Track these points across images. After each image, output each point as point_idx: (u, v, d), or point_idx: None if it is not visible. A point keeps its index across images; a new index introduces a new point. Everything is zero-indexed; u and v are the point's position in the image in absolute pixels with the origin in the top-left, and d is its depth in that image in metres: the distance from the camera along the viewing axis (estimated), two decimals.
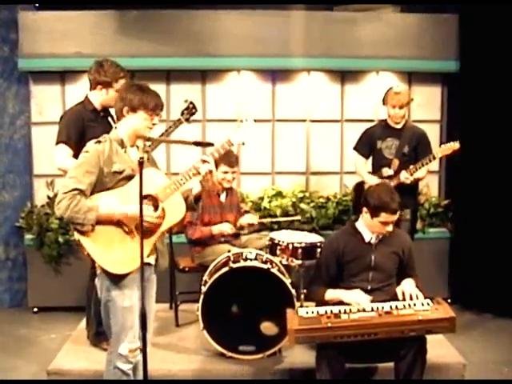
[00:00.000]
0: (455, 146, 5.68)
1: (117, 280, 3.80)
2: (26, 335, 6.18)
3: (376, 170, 5.93)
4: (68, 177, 3.75)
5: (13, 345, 5.91)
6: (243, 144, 4.22)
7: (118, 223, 3.77)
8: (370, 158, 6.05)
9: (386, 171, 5.80)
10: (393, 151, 5.83)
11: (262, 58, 6.84)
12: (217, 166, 5.36)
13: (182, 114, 5.62)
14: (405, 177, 5.65)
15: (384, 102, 5.91)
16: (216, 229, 5.64)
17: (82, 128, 4.94)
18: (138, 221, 3.65)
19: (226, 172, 5.65)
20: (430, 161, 5.69)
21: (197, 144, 4.27)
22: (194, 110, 5.63)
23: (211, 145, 4.25)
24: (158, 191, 3.84)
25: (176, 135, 6.47)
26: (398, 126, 5.86)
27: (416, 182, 5.85)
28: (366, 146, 6.02)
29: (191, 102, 5.61)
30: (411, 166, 5.67)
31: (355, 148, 6.11)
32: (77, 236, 3.75)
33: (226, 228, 5.65)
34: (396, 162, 5.78)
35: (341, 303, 4.30)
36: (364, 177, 5.93)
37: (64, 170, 4.76)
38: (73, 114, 5.06)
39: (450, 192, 7.28)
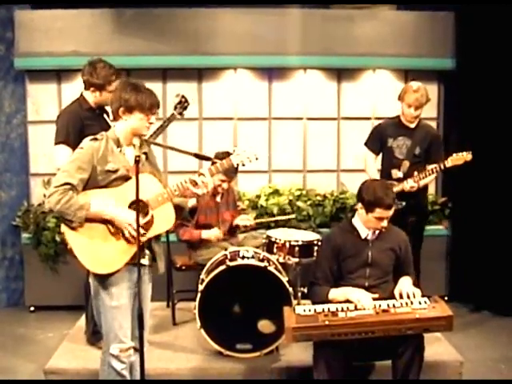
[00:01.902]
0: (467, 156, 5.47)
1: (104, 279, 3.81)
2: (23, 334, 6.18)
3: (385, 169, 5.76)
4: (61, 171, 3.76)
5: (10, 344, 5.90)
6: (243, 165, 4.19)
7: (106, 223, 3.77)
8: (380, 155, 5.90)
9: (396, 173, 5.60)
10: (403, 151, 5.63)
11: (259, 56, 6.83)
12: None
13: (175, 108, 5.58)
14: (410, 186, 5.47)
15: (400, 98, 5.64)
16: (205, 234, 5.63)
17: (80, 127, 4.92)
18: (122, 226, 3.72)
19: (223, 180, 5.63)
20: (441, 169, 5.49)
21: (197, 156, 4.27)
22: (186, 104, 5.57)
23: (210, 159, 4.25)
24: (150, 198, 3.83)
25: (173, 134, 6.49)
26: (412, 126, 5.65)
27: (426, 186, 5.73)
28: (377, 142, 5.81)
29: (183, 96, 5.57)
30: (415, 173, 5.49)
31: (366, 144, 5.90)
32: (63, 229, 3.76)
33: (215, 234, 5.64)
34: (406, 164, 5.59)
35: (346, 302, 4.28)
36: (372, 176, 5.63)
37: None
38: (70, 113, 5.05)
39: (447, 189, 7.28)
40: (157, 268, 4.02)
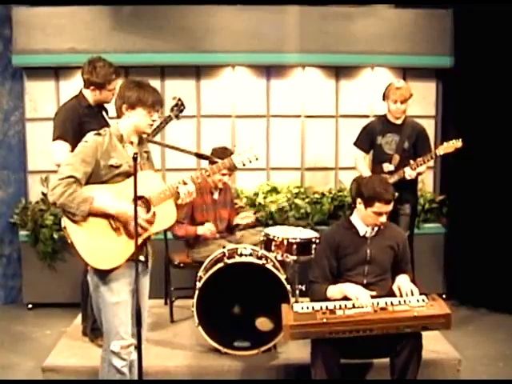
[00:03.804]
0: (457, 143, 5.67)
1: (104, 276, 3.81)
2: (21, 332, 6.17)
3: (376, 165, 5.94)
4: (64, 164, 3.76)
5: (8, 341, 5.90)
6: (243, 165, 4.18)
7: (109, 218, 3.77)
8: (371, 153, 6.08)
9: (387, 167, 5.80)
10: (393, 147, 5.83)
11: (257, 53, 6.82)
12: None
13: (172, 110, 5.64)
14: (409, 174, 5.66)
15: (384, 96, 5.89)
16: (201, 229, 5.62)
17: (78, 124, 4.94)
18: (127, 220, 3.71)
19: (224, 174, 5.63)
20: (432, 158, 5.71)
21: (198, 156, 4.27)
22: (182, 107, 5.70)
23: (211, 158, 4.27)
24: (152, 195, 3.84)
25: (171, 132, 6.49)
26: (398, 122, 5.86)
27: (416, 176, 5.86)
28: (366, 141, 6.01)
29: (179, 99, 5.65)
30: (412, 162, 5.68)
31: (355, 143, 6.09)
32: (64, 223, 3.77)
33: (209, 229, 5.62)
34: (397, 158, 5.79)
35: (344, 299, 4.29)
36: (363, 172, 5.89)
37: None
38: (68, 109, 5.06)
39: (444, 187, 7.28)
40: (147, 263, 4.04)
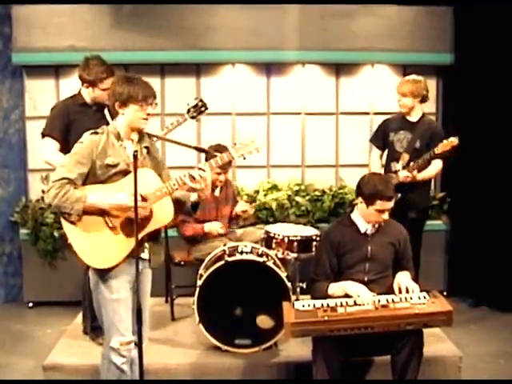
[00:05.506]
0: (454, 141, 5.47)
1: (104, 273, 3.82)
2: (21, 330, 6.18)
3: (387, 163, 5.80)
4: (60, 165, 3.78)
5: (8, 340, 5.90)
6: (244, 159, 4.16)
7: (105, 216, 3.77)
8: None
9: (394, 165, 5.63)
10: (404, 145, 5.65)
11: (257, 50, 6.81)
12: None
13: (188, 111, 5.48)
14: (404, 176, 5.49)
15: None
16: (208, 227, 5.62)
17: (67, 122, 5.01)
18: (124, 211, 3.71)
19: (218, 173, 5.62)
20: (431, 157, 5.51)
21: (197, 149, 4.23)
22: (202, 109, 5.47)
23: (211, 152, 4.25)
24: (149, 193, 3.82)
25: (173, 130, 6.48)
26: (414, 120, 5.68)
27: (429, 180, 5.79)
28: (380, 137, 5.85)
29: (201, 100, 5.46)
30: (411, 164, 5.53)
31: (370, 140, 6.00)
32: (62, 223, 3.78)
33: (216, 227, 5.63)
34: (406, 157, 5.60)
35: (346, 296, 4.28)
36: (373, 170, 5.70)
37: (50, 163, 4.83)
38: (59, 108, 5.15)
39: (445, 184, 7.27)
40: (152, 263, 4.02)
